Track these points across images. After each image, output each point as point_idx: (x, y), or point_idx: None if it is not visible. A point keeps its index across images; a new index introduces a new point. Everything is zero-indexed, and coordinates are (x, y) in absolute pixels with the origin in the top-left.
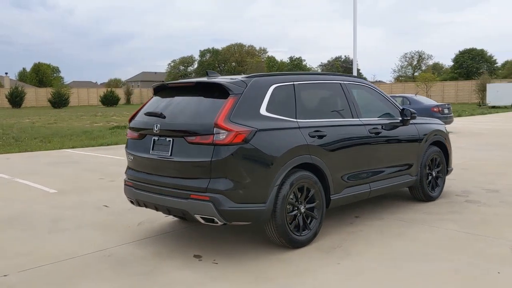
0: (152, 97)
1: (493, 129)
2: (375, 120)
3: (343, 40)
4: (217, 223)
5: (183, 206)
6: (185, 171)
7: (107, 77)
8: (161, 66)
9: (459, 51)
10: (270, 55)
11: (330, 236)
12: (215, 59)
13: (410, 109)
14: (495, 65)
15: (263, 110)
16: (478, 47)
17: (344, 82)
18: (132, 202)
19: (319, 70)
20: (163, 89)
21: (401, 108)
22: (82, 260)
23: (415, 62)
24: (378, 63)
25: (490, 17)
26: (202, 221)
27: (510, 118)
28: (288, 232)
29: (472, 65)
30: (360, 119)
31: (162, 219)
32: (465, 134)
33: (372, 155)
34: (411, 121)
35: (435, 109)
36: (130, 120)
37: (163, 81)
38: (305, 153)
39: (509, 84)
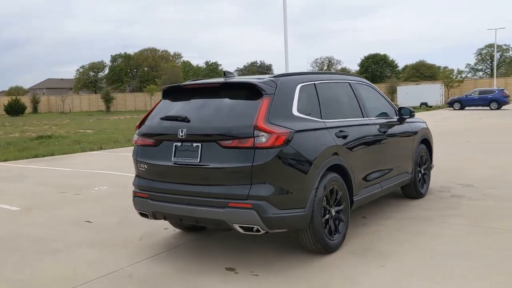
0: (160, 100)
1: None
2: (381, 119)
3: (252, 45)
4: (258, 232)
5: (219, 216)
6: (220, 178)
7: (7, 85)
8: (67, 72)
9: (364, 56)
10: (185, 60)
11: (352, 238)
12: (127, 64)
13: (410, 108)
14: (397, 69)
15: (294, 111)
16: (381, 52)
17: (352, 81)
18: (144, 215)
19: (236, 75)
20: (175, 92)
21: (397, 107)
22: (103, 282)
23: (325, 67)
24: (289, 69)
25: (389, 24)
26: (241, 230)
27: (425, 118)
28: (324, 237)
29: (377, 69)
30: (370, 118)
31: (163, 232)
32: None
33: (382, 154)
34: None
35: None
36: (139, 126)
37: (177, 83)
38: (335, 154)
39: (417, 86)
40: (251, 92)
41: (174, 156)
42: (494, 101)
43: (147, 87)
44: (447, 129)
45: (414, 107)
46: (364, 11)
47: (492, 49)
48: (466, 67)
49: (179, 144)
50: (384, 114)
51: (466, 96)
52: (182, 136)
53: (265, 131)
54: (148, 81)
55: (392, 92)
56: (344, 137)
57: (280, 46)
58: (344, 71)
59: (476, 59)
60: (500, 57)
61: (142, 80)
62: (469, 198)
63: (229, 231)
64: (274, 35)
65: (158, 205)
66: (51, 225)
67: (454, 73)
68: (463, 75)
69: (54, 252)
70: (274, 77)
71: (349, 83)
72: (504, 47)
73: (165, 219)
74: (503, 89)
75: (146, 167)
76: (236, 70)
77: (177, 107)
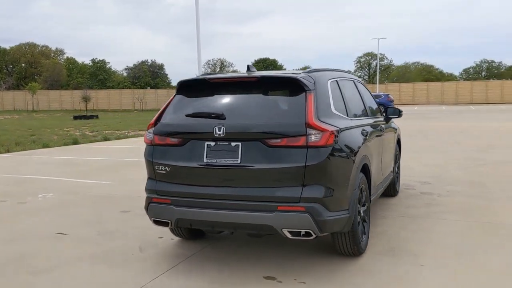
0: (175, 95)
1: None
2: (376, 118)
3: (135, 44)
4: (309, 236)
5: (266, 221)
6: (266, 179)
7: None
8: None
9: (255, 60)
10: (69, 57)
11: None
12: (1, 60)
13: (398, 108)
14: None
15: (332, 108)
16: (271, 57)
17: (355, 79)
18: (161, 223)
19: (125, 74)
20: (197, 86)
21: (383, 106)
22: None
23: (218, 69)
24: (178, 69)
25: (278, 30)
26: (289, 235)
27: None
28: (359, 239)
29: None
30: (371, 117)
31: (159, 241)
32: None
33: (382, 154)
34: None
35: None
36: (155, 123)
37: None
38: (364, 154)
39: None
40: (292, 87)
41: (207, 157)
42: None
43: (27, 85)
44: None
45: None
46: (253, 16)
47: (370, 57)
48: None
49: (212, 143)
50: (373, 113)
51: None
52: (219, 134)
53: (318, 129)
54: (27, 79)
55: None
56: (366, 136)
57: (163, 46)
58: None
59: (355, 67)
60: (376, 65)
61: (20, 77)
62: (439, 195)
63: (243, 236)
64: (156, 35)
65: (185, 211)
66: (18, 240)
67: None
68: None
69: (50, 271)
70: (308, 72)
71: (353, 81)
72: (380, 56)
73: (191, 226)
74: (388, 94)
75: (168, 169)
76: (126, 69)
77: (204, 103)
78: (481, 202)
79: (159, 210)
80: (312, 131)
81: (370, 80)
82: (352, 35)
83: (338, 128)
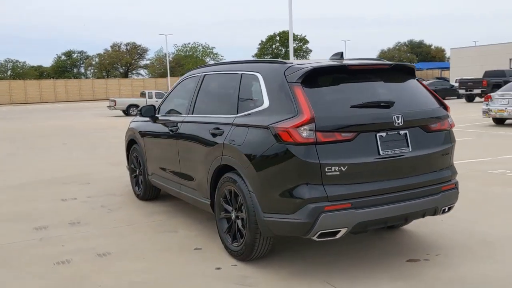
0: (298, 83)
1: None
2: None
3: None
4: (443, 212)
5: (434, 204)
6: (432, 163)
7: None
8: None
9: None
10: None
11: None
12: None
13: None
14: None
15: None
16: None
17: None
18: (330, 235)
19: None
20: (333, 72)
21: None
22: None
23: None
24: None
25: None
26: (440, 214)
27: None
28: None
29: None
30: None
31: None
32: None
33: None
34: None
35: None
36: (313, 119)
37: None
38: None
39: None
40: (409, 75)
41: (382, 149)
42: None
43: None
44: None
45: None
46: None
47: None
48: None
49: (383, 134)
50: None
51: None
52: (398, 123)
53: (449, 112)
54: None
55: None
56: None
57: None
58: None
59: None
60: None
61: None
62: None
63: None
64: None
65: (367, 212)
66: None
67: None
68: None
69: None
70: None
71: None
72: None
73: (364, 229)
74: None
75: (343, 169)
76: None
77: (359, 91)
78: None
79: (334, 219)
80: (449, 114)
81: None
82: None
83: None
